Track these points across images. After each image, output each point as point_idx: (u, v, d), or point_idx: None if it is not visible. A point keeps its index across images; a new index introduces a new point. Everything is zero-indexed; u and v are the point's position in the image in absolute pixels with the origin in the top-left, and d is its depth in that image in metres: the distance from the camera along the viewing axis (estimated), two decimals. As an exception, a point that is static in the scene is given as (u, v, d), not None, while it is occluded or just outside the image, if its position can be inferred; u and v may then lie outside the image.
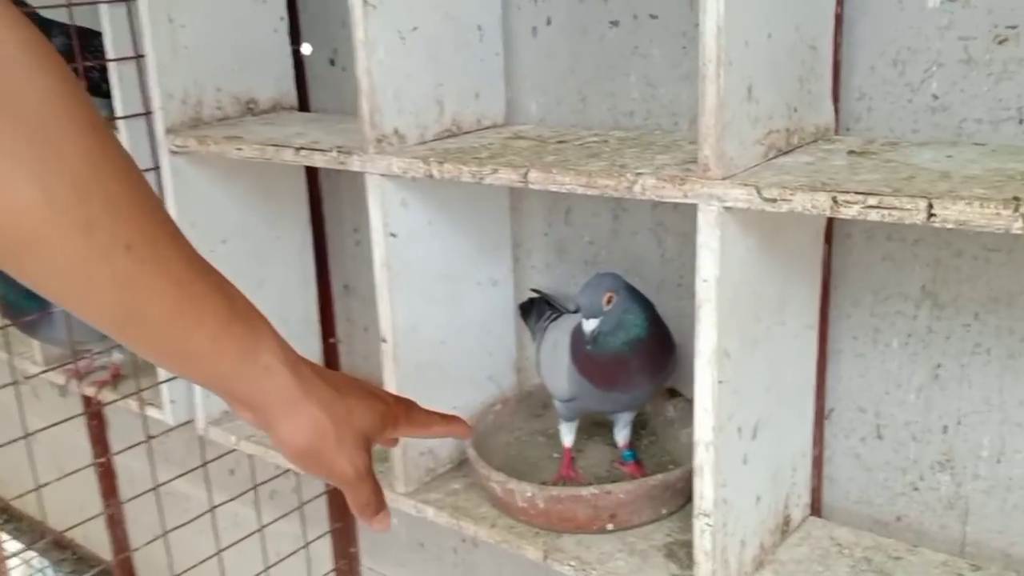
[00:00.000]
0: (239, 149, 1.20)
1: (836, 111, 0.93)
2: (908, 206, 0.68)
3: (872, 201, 0.70)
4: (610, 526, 0.99)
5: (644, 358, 0.98)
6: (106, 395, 1.59)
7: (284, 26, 1.41)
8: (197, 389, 1.41)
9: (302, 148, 1.13)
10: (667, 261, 1.14)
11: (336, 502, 1.69)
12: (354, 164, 1.07)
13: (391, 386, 1.12)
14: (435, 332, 1.15)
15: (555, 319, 1.13)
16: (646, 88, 1.09)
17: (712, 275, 0.80)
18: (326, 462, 0.65)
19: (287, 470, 1.51)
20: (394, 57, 1.05)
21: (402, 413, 0.72)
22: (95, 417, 2.02)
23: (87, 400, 1.72)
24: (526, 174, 0.91)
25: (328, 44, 1.42)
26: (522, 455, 1.16)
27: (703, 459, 0.84)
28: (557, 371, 1.04)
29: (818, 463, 1.02)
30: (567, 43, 1.14)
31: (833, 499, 1.04)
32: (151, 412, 1.54)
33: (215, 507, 1.60)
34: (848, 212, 0.71)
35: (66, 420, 1.60)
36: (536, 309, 1.20)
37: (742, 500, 0.88)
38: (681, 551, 0.95)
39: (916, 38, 0.89)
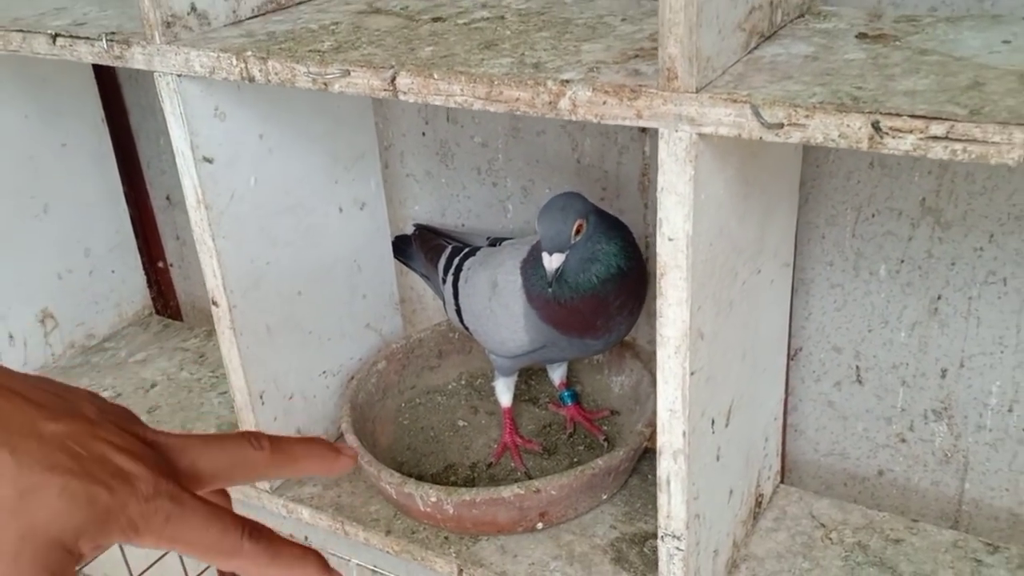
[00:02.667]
0: (-29, 37, 0.83)
1: (819, -36, 0.66)
2: (997, 138, 0.44)
3: (938, 129, 0.45)
4: (540, 525, 0.78)
5: (625, 294, 0.74)
6: None
7: None
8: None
9: (59, 35, 0.78)
10: (585, 168, 0.88)
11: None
12: (136, 60, 0.74)
13: (232, 363, 0.84)
14: (287, 282, 0.86)
15: (469, 254, 0.86)
16: (547, -69, 0.79)
17: (683, 231, 0.55)
18: None
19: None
20: None
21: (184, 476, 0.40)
22: None
23: None
24: (393, 79, 0.62)
25: None
26: (417, 424, 0.92)
27: (671, 471, 0.62)
28: (504, 320, 0.79)
29: (782, 410, 0.83)
30: None
31: (799, 452, 0.86)
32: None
33: None
34: (898, 146, 0.47)
35: None
36: (422, 242, 0.93)
37: (715, 505, 0.68)
38: (631, 551, 0.76)
39: None
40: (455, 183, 0.97)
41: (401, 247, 0.97)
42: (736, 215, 0.61)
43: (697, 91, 0.51)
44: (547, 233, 0.71)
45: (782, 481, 0.85)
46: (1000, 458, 0.76)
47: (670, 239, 0.56)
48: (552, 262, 0.72)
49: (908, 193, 0.73)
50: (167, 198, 1.24)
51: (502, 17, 0.71)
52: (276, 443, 0.43)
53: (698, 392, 0.60)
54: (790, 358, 0.82)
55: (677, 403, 0.60)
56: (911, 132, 0.46)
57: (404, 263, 0.98)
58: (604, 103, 0.54)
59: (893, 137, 0.47)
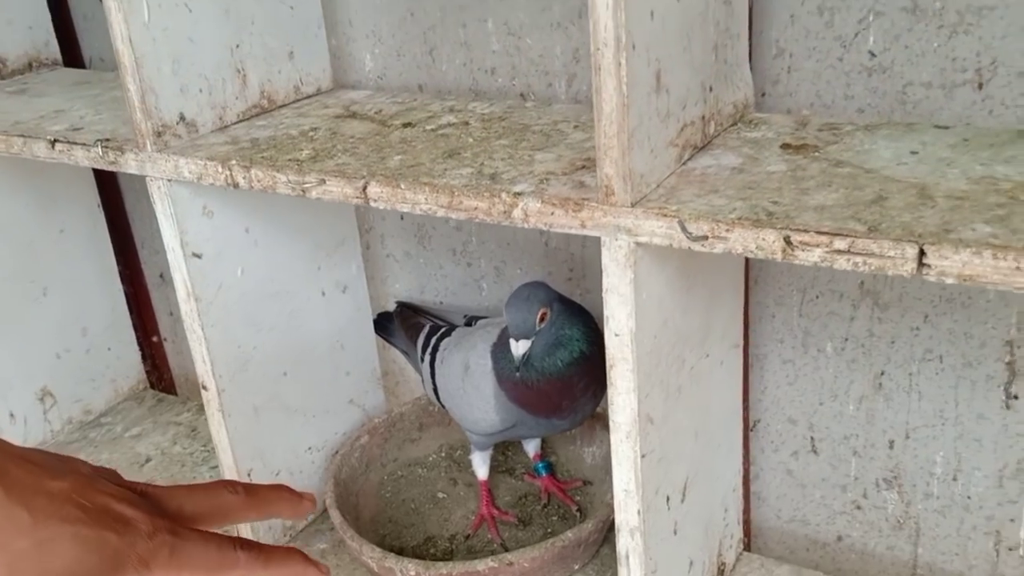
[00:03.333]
0: (-24, 140, 0.89)
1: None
2: (892, 253, 0.50)
3: (840, 244, 0.51)
4: (513, 596, 0.82)
5: (588, 376, 0.79)
6: None
7: (23, -41, 1.07)
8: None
9: (58, 140, 0.84)
10: (553, 251, 0.93)
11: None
12: (129, 165, 0.80)
13: (222, 442, 0.88)
14: (273, 365, 0.91)
15: (444, 334, 0.91)
16: (508, 38, 0.85)
17: (626, 328, 0.60)
18: None
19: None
20: (168, 16, 0.76)
21: (172, 529, 0.44)
22: None
23: None
24: (364, 188, 0.67)
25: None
26: (399, 497, 0.97)
27: (628, 547, 0.66)
28: (476, 401, 0.84)
29: (744, 480, 0.88)
30: (402, -20, 0.88)
31: (762, 518, 0.90)
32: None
33: None
34: (808, 258, 0.52)
35: None
36: (402, 320, 0.98)
37: (675, 575, 0.72)
38: (599, 620, 0.80)
39: (853, -25, 0.69)
40: (432, 263, 1.02)
41: (383, 323, 1.02)
42: (680, 308, 0.66)
43: (632, 205, 0.57)
44: (513, 321, 0.76)
45: (747, 548, 0.89)
46: (948, 524, 0.81)
47: (616, 335, 0.61)
48: (519, 348, 0.77)
49: (847, 276, 0.78)
50: (160, 276, 1.30)
51: (466, 123, 0.78)
52: (249, 489, 0.51)
53: (651, 472, 0.65)
54: (749, 429, 0.87)
55: (631, 483, 0.64)
56: (817, 246, 0.51)
57: (386, 339, 1.03)
58: (552, 214, 0.60)
59: (803, 250, 0.52)
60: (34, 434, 1.18)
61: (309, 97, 0.90)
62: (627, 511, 0.65)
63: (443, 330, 0.93)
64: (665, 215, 0.56)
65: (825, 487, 0.86)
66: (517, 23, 0.84)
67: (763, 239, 0.53)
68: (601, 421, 0.94)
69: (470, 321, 0.94)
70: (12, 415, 1.15)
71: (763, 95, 0.76)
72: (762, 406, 0.86)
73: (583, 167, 0.65)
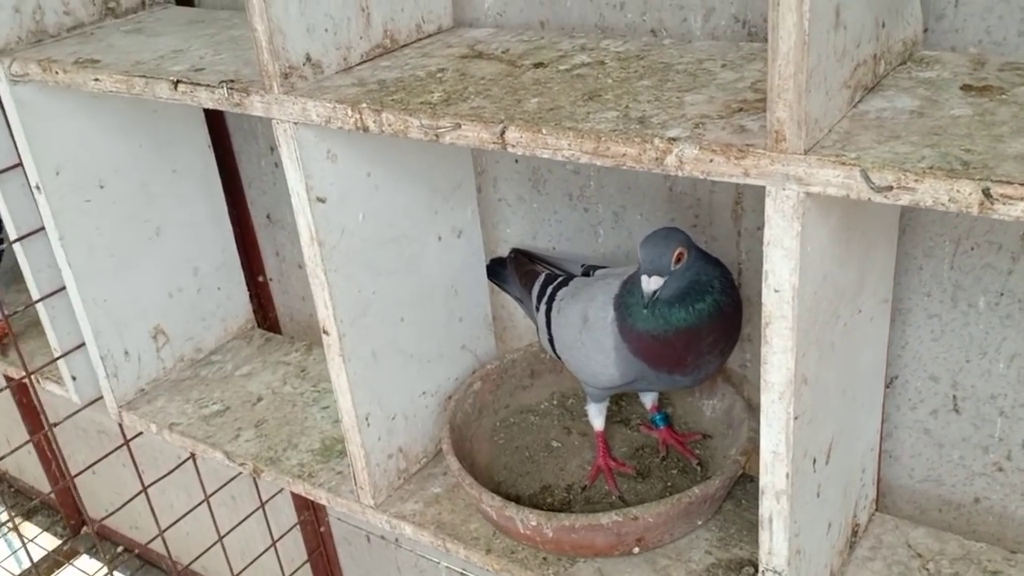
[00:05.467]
0: (97, 80, 0.89)
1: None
2: (1112, 209, 0.45)
3: (1051, 198, 0.46)
4: (636, 549, 0.81)
5: (719, 331, 0.76)
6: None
7: None
8: (99, 362, 1.16)
9: (181, 81, 0.83)
10: (678, 196, 0.89)
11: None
12: (255, 107, 0.79)
13: (341, 386, 0.88)
14: (391, 310, 0.91)
15: (561, 284, 0.89)
16: (642, -30, 0.81)
17: (789, 283, 0.57)
18: None
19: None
20: (293, -48, 0.74)
21: None
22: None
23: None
24: (503, 133, 0.65)
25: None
26: (512, 444, 0.96)
27: (773, 510, 0.64)
28: (595, 354, 0.82)
29: (879, 440, 0.84)
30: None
31: (893, 478, 0.87)
32: (52, 388, 1.29)
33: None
34: (1009, 212, 0.48)
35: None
36: (517, 266, 0.96)
37: (814, 539, 0.70)
38: (728, 577, 0.78)
39: None
40: (547, 208, 0.99)
41: (496, 270, 1.00)
42: (838, 261, 0.62)
43: (805, 152, 0.53)
44: (648, 256, 0.74)
45: (876, 507, 0.86)
46: (1103, 492, 0.76)
47: (776, 291, 0.57)
48: (650, 284, 0.74)
49: (1008, 227, 0.73)
50: (267, 216, 1.30)
51: (602, 62, 0.74)
52: None
53: (801, 434, 0.62)
54: (886, 386, 0.83)
55: (781, 446, 0.62)
56: (1022, 200, 0.47)
57: (499, 285, 1.01)
58: (711, 161, 0.56)
59: (1004, 204, 0.48)
60: (147, 371, 1.20)
61: (430, 36, 0.87)
62: (774, 474, 0.63)
63: (560, 279, 0.91)
64: (843, 163, 0.52)
65: (965, 447, 0.82)
66: (652, -46, 0.80)
67: (958, 191, 0.49)
68: (722, 373, 0.92)
69: (588, 271, 0.91)
70: (127, 353, 1.18)
71: (925, 31, 0.70)
72: (901, 362, 0.82)
73: (740, 110, 0.61)
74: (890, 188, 0.51)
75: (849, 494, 0.76)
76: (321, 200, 0.81)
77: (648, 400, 0.93)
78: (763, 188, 0.55)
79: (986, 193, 0.48)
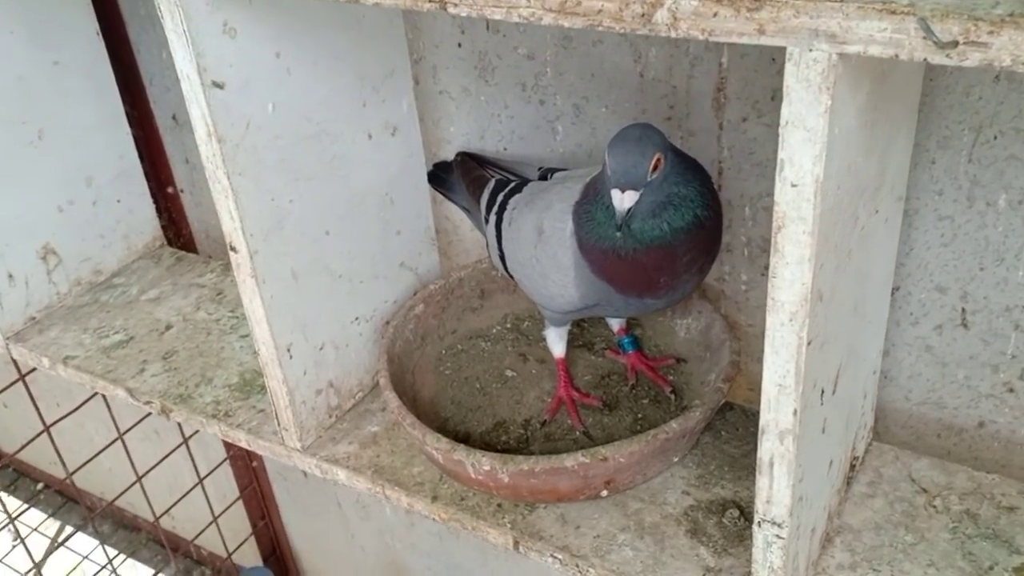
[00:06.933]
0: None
1: None
2: None
3: None
4: (604, 492, 0.70)
5: (697, 248, 0.64)
6: None
7: None
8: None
9: (39, -62, 0.66)
10: (650, 83, 0.76)
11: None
12: (131, -33, 0.62)
13: (255, 313, 0.75)
14: (313, 221, 0.76)
15: (514, 191, 0.75)
16: None
17: (811, 175, 0.45)
18: None
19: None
20: None
21: None
22: None
23: None
24: (441, -14, 0.50)
25: None
26: (461, 375, 0.84)
27: (775, 453, 0.53)
28: (552, 273, 0.69)
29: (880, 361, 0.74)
30: None
31: (888, 400, 0.77)
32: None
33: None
34: (1120, 70, 0.36)
35: None
36: (464, 172, 0.82)
37: (816, 482, 0.60)
38: (708, 522, 0.68)
39: None
40: (496, 101, 0.85)
41: (440, 176, 0.86)
42: (863, 149, 0.50)
43: (841, -1, 0.40)
44: (620, 166, 0.61)
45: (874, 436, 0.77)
46: None
47: (794, 185, 0.45)
48: (624, 201, 0.61)
49: (1044, 112, 0.61)
50: (173, 117, 1.13)
51: (565, -96, 0.59)
52: None
53: (812, 362, 0.51)
54: (886, 301, 0.73)
55: (788, 377, 0.50)
56: None
57: (443, 194, 0.87)
58: (715, 15, 0.43)
59: (1116, 59, 0.36)
60: (38, 297, 1.05)
61: None
62: (779, 411, 0.52)
63: (513, 185, 0.77)
64: (894, 11, 0.39)
65: (972, 366, 0.73)
66: None
67: (1051, 43, 0.36)
68: (698, 289, 0.80)
69: (545, 175, 0.78)
70: (11, 277, 1.02)
71: None
72: (904, 271, 0.72)
73: (746, -47, 0.47)
74: (955, 44, 0.38)
75: (850, 425, 0.66)
76: (218, 85, 0.66)
77: (615, 323, 0.81)
78: (768, 64, 0.43)
79: (1090, 45, 0.36)
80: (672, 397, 0.78)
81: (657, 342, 0.83)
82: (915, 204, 0.69)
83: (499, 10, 0.49)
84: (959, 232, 0.68)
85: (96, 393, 1.19)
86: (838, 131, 0.44)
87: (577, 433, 0.76)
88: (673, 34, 0.45)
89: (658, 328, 0.83)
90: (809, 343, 0.50)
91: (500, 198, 0.76)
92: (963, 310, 0.71)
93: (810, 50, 0.42)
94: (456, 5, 0.50)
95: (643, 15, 0.45)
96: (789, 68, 0.43)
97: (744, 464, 0.74)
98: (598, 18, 0.46)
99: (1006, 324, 0.70)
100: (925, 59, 0.39)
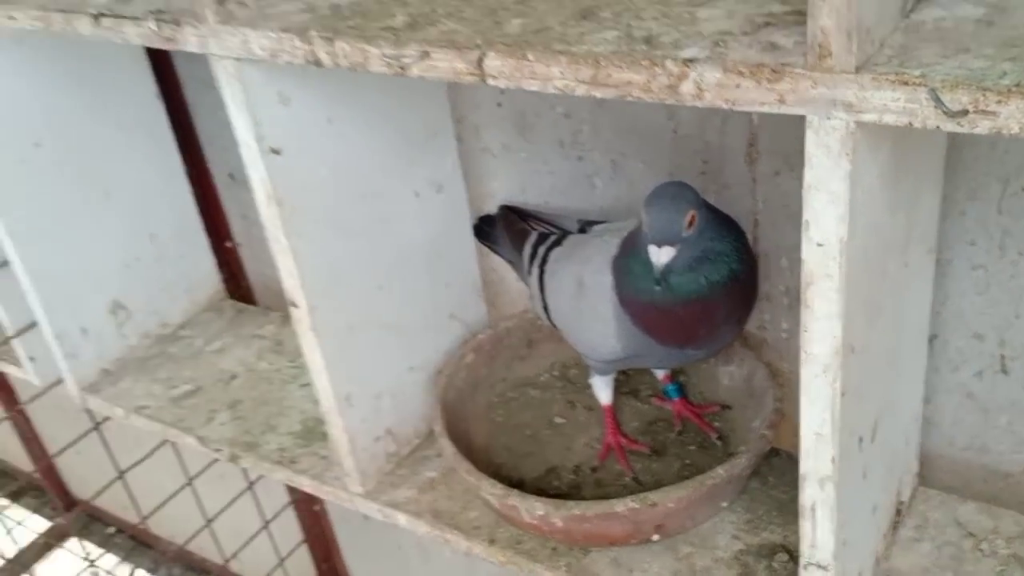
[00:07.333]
0: (11, 19, 0.77)
1: None
2: None
3: None
4: (656, 536, 0.72)
5: (734, 301, 0.66)
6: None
7: None
8: (54, 340, 1.05)
9: (103, 15, 0.71)
10: (682, 139, 0.78)
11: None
12: (189, 42, 0.67)
13: (316, 365, 0.79)
14: (365, 277, 0.80)
15: (556, 243, 0.78)
16: None
17: (835, 235, 0.47)
18: None
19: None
20: None
21: None
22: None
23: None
24: (480, 61, 0.54)
25: None
26: (512, 422, 0.86)
27: (817, 499, 0.55)
28: (593, 324, 0.72)
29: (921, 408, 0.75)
30: None
31: (932, 446, 0.77)
32: (10, 370, 1.19)
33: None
34: None
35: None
36: (507, 225, 0.85)
37: (860, 526, 0.61)
38: (759, 566, 0.69)
39: None
40: (536, 158, 0.88)
41: (484, 229, 0.90)
42: (888, 207, 0.52)
43: (856, 71, 0.42)
44: (656, 223, 0.63)
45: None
46: None
47: (819, 245, 0.47)
48: (662, 255, 0.63)
49: (1074, 160, 0.62)
50: (230, 175, 1.19)
51: (597, -24, 0.62)
52: None
53: (848, 412, 0.52)
54: (926, 345, 0.73)
55: (825, 426, 0.52)
56: None
57: (489, 247, 0.91)
58: (738, 86, 0.46)
59: (1122, 125, 0.37)
60: (110, 349, 1.10)
61: (394, -43, 0.75)
62: (818, 458, 0.53)
63: (553, 238, 0.80)
64: (906, 83, 0.41)
65: (1014, 411, 0.73)
66: None
67: (1059, 111, 0.38)
68: (739, 337, 0.82)
69: (584, 227, 0.81)
70: (84, 331, 1.07)
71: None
72: (941, 319, 0.72)
73: (767, 24, 0.50)
74: (965, 112, 0.40)
75: (893, 470, 0.67)
76: (275, 151, 0.70)
77: (660, 370, 0.83)
78: (796, 121, 0.45)
79: (1097, 112, 0.37)
80: (718, 443, 0.79)
81: (701, 389, 0.85)
82: (948, 255, 0.70)
83: (535, 82, 0.53)
84: (993, 281, 0.69)
85: (160, 444, 1.25)
86: (860, 192, 0.46)
87: (627, 478, 0.78)
88: (699, 104, 0.47)
89: (702, 375, 0.85)
90: (844, 394, 0.51)
91: (541, 251, 0.79)
92: (1002, 356, 0.71)
93: (828, 118, 0.44)
94: (495, 78, 0.54)
95: (669, 87, 0.48)
96: (809, 135, 0.45)
97: (792, 509, 0.74)
98: (627, 89, 0.49)
99: (1047, 368, 0.70)
100: (937, 127, 0.41)
